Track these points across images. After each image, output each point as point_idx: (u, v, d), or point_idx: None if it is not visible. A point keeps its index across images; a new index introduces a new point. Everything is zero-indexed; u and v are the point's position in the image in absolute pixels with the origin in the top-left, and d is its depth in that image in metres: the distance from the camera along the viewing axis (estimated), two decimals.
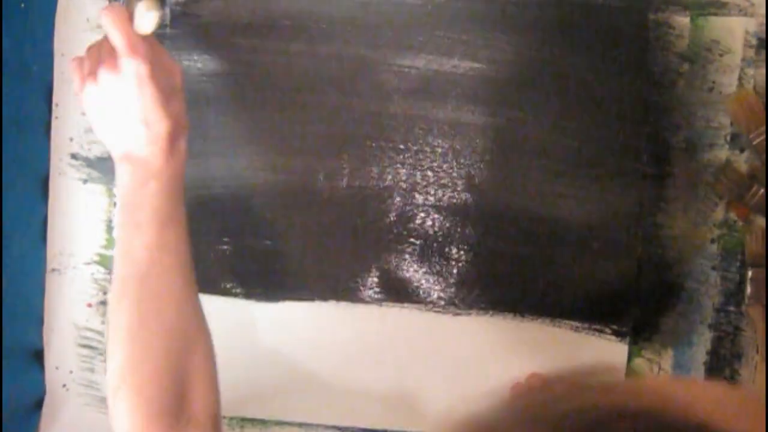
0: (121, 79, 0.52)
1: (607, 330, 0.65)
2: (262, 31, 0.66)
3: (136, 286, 0.53)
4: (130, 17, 0.53)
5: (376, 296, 0.66)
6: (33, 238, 0.68)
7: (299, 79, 0.66)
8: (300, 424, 0.67)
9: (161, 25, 0.55)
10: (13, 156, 0.64)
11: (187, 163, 0.66)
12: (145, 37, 0.53)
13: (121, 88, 0.53)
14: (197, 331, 0.54)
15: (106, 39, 0.54)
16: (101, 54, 0.54)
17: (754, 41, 0.64)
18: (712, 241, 0.65)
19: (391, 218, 0.66)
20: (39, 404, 0.69)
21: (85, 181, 0.68)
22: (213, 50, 0.66)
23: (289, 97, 0.66)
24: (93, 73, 0.54)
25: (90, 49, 0.56)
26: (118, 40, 0.52)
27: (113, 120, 0.54)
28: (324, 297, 0.66)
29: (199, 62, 0.66)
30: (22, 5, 0.65)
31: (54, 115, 0.68)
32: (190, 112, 0.66)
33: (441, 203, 0.65)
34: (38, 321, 0.68)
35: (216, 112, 0.66)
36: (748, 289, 0.64)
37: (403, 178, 0.66)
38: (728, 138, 0.64)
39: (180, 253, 0.54)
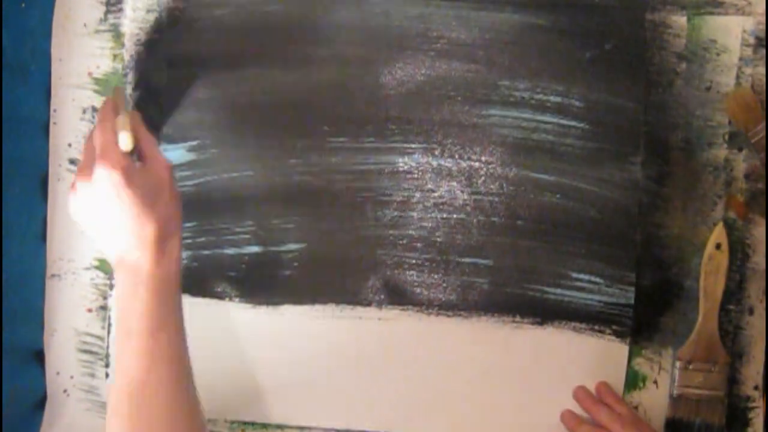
0: (96, 188, 0.52)
1: (608, 330, 0.65)
2: (261, 34, 0.66)
3: (126, 399, 0.51)
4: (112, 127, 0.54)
5: (376, 299, 0.66)
6: (33, 239, 0.68)
7: (297, 83, 0.66)
8: (300, 428, 0.67)
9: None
10: (12, 156, 0.64)
11: (185, 169, 0.66)
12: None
13: (98, 196, 0.52)
14: None
15: (88, 142, 0.55)
16: (83, 160, 0.55)
17: (751, 40, 0.64)
18: None
19: (391, 221, 0.66)
20: (39, 405, 0.69)
21: None
22: (210, 54, 0.66)
23: (288, 100, 0.66)
24: (73, 183, 0.54)
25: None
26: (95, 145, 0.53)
27: (100, 227, 0.54)
28: (324, 300, 0.66)
29: (196, 66, 0.66)
30: (23, 5, 0.65)
31: (52, 120, 0.68)
32: (188, 115, 0.67)
33: (441, 205, 0.65)
34: (38, 322, 0.69)
35: (214, 117, 0.66)
36: (677, 380, 0.64)
37: (403, 179, 0.66)
38: (726, 137, 0.64)
39: (173, 361, 0.52)
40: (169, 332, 0.52)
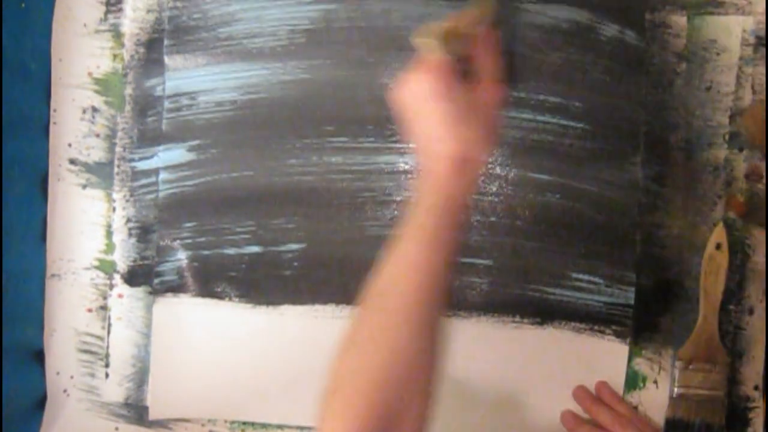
0: (411, 86, 0.53)
1: (608, 330, 0.65)
2: (261, 35, 0.66)
3: (376, 298, 0.50)
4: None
5: None
6: (33, 239, 0.68)
7: (297, 83, 0.66)
8: (300, 428, 0.67)
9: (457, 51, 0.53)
10: (12, 156, 0.64)
11: (185, 169, 0.66)
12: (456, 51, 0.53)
13: (412, 92, 0.53)
14: (425, 362, 0.51)
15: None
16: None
17: (751, 40, 0.64)
18: None
19: (392, 220, 0.66)
20: (39, 405, 0.69)
21: (84, 187, 0.69)
22: (210, 57, 0.66)
23: (288, 100, 0.66)
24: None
25: None
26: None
27: (412, 122, 0.54)
28: (324, 300, 0.66)
29: (195, 72, 0.66)
30: (23, 5, 0.65)
31: (52, 120, 0.68)
32: (188, 115, 0.67)
33: None
34: (38, 322, 0.68)
35: (214, 117, 0.67)
36: (677, 380, 0.64)
37: (403, 179, 0.66)
38: (727, 137, 0.64)
39: (434, 276, 0.50)
40: (440, 248, 0.51)
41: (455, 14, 0.55)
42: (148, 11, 0.67)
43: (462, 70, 0.54)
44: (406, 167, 0.65)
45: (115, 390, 0.68)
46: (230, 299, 0.67)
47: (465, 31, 0.54)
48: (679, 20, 0.64)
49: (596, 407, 0.63)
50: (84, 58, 0.68)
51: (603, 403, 0.63)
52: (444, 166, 0.51)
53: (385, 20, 0.65)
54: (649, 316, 0.65)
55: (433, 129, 0.52)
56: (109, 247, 0.68)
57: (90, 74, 0.68)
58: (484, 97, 0.54)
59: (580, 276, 0.65)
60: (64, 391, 0.69)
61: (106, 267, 0.69)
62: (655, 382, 0.65)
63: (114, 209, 0.68)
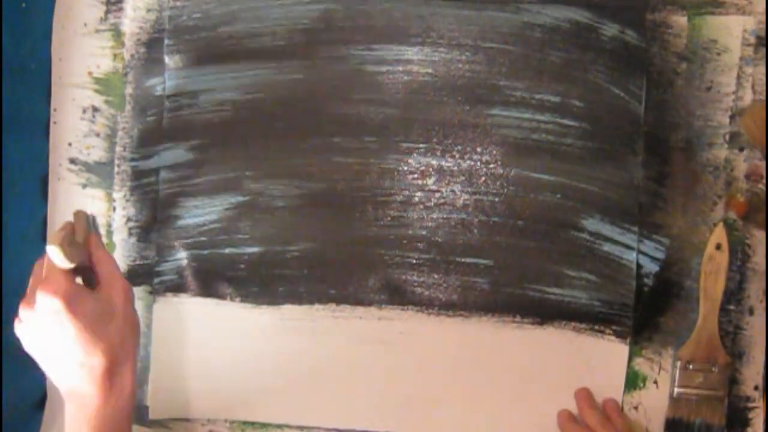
0: (38, 316, 0.50)
1: (608, 331, 0.65)
2: (261, 34, 0.66)
3: None
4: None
5: (376, 299, 0.66)
6: (33, 239, 0.68)
7: (297, 83, 0.66)
8: (300, 428, 0.67)
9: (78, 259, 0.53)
10: (12, 156, 0.64)
11: (185, 169, 0.66)
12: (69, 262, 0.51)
13: (41, 324, 0.50)
14: None
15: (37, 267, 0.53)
16: (29, 286, 0.52)
17: (752, 39, 0.64)
18: None
19: (392, 221, 0.66)
20: (39, 405, 0.69)
21: (84, 186, 0.69)
22: (208, 59, 0.66)
23: (288, 100, 0.66)
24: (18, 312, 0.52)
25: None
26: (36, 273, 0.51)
27: (49, 357, 0.51)
28: (324, 300, 0.66)
29: (195, 72, 0.66)
30: (23, 5, 0.65)
31: (52, 120, 0.68)
32: (188, 115, 0.67)
33: (442, 205, 0.65)
34: None
35: (214, 117, 0.66)
36: (677, 380, 0.64)
37: (404, 179, 0.66)
38: (727, 137, 0.64)
39: None
40: None
41: (68, 223, 0.55)
42: (149, 11, 0.67)
43: (86, 279, 0.54)
44: (407, 167, 0.65)
45: None
46: (230, 299, 0.67)
47: (78, 239, 0.53)
48: (680, 20, 0.64)
49: (588, 409, 0.63)
50: (84, 57, 0.68)
51: (596, 407, 0.63)
52: (97, 384, 0.49)
53: (385, 19, 0.65)
54: (649, 316, 0.65)
55: (74, 349, 0.49)
56: (109, 247, 0.68)
57: (90, 74, 0.68)
58: (109, 300, 0.52)
59: (580, 276, 0.65)
60: None
61: None
62: (655, 382, 0.65)
63: (114, 209, 0.68)
